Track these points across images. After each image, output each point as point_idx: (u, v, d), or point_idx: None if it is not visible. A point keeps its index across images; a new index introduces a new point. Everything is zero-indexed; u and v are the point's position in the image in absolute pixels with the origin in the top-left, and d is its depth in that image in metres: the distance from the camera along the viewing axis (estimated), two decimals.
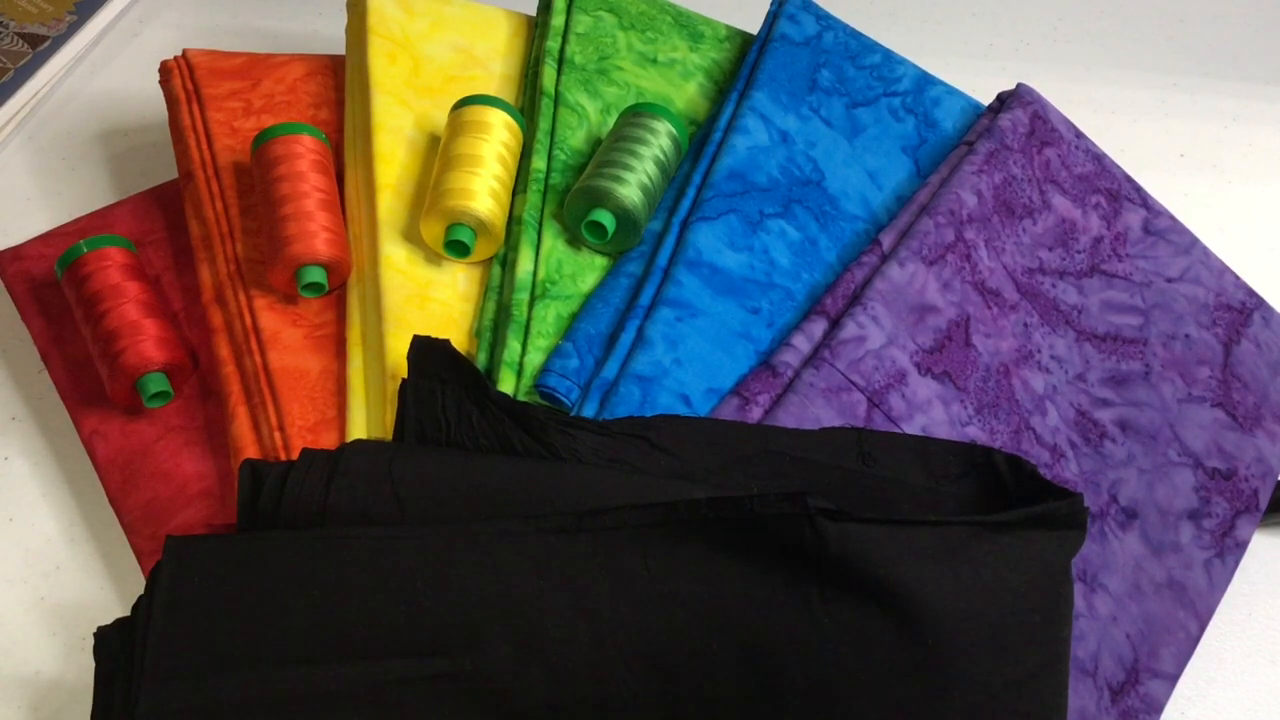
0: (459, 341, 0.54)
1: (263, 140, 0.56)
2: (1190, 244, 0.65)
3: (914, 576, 0.40)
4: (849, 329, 0.53)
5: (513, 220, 0.56)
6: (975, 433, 0.54)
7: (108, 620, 0.43)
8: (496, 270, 0.56)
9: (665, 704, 0.40)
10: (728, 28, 0.69)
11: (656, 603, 0.41)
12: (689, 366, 0.52)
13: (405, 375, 0.49)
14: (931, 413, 0.53)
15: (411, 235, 0.56)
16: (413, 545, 0.42)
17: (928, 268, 0.56)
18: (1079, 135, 0.65)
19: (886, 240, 0.57)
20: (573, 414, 0.50)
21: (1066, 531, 0.42)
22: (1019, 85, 0.65)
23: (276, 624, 0.40)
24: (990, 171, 0.60)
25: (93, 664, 0.42)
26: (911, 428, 0.52)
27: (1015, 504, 0.44)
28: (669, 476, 0.46)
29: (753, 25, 0.68)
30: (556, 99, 0.61)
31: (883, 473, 0.47)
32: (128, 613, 0.43)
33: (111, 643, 0.41)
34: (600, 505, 0.43)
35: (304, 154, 0.56)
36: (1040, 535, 0.42)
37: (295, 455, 0.48)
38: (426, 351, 0.48)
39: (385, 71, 0.60)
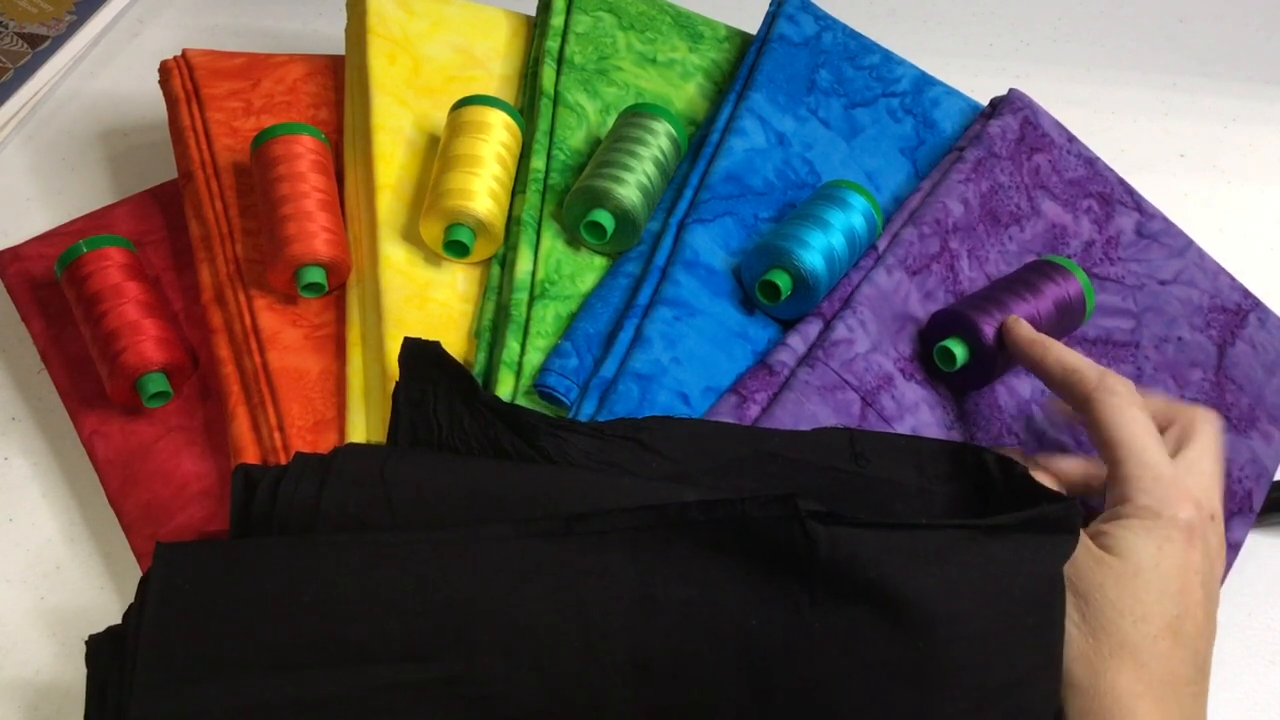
0: (458, 342, 0.54)
1: (262, 140, 0.56)
2: (1185, 246, 0.65)
3: (905, 580, 0.39)
4: (839, 331, 0.53)
5: (512, 220, 0.56)
6: (958, 438, 0.54)
7: (108, 621, 0.43)
8: (496, 270, 0.56)
9: (656, 708, 0.40)
10: (727, 28, 0.70)
11: (646, 606, 0.40)
12: (687, 365, 0.52)
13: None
14: (920, 415, 0.53)
15: (411, 235, 0.56)
16: (403, 550, 0.42)
17: (911, 277, 0.56)
18: (1071, 139, 0.65)
19: (881, 245, 0.57)
20: (571, 412, 0.50)
21: (1059, 535, 0.42)
22: (1010, 90, 0.65)
23: (268, 630, 0.40)
24: (977, 180, 0.60)
25: None
26: (903, 428, 0.52)
27: (1006, 505, 0.44)
28: (661, 479, 0.46)
29: (753, 25, 0.68)
30: (556, 99, 0.61)
31: (875, 473, 0.47)
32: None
33: (104, 650, 0.41)
34: (590, 508, 0.43)
35: (304, 154, 0.56)
36: (1033, 539, 0.42)
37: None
38: (417, 354, 0.47)
39: (385, 72, 0.60)
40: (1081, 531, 0.45)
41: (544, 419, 0.47)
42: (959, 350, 0.53)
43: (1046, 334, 0.52)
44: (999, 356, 0.52)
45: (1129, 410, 0.46)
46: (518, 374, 0.51)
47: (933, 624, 0.39)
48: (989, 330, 0.52)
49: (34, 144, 0.71)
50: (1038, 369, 0.50)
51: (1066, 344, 0.56)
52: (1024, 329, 0.51)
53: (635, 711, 0.40)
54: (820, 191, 0.56)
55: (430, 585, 0.41)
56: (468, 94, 0.58)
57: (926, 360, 0.55)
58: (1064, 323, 0.55)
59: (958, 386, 0.55)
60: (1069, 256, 0.62)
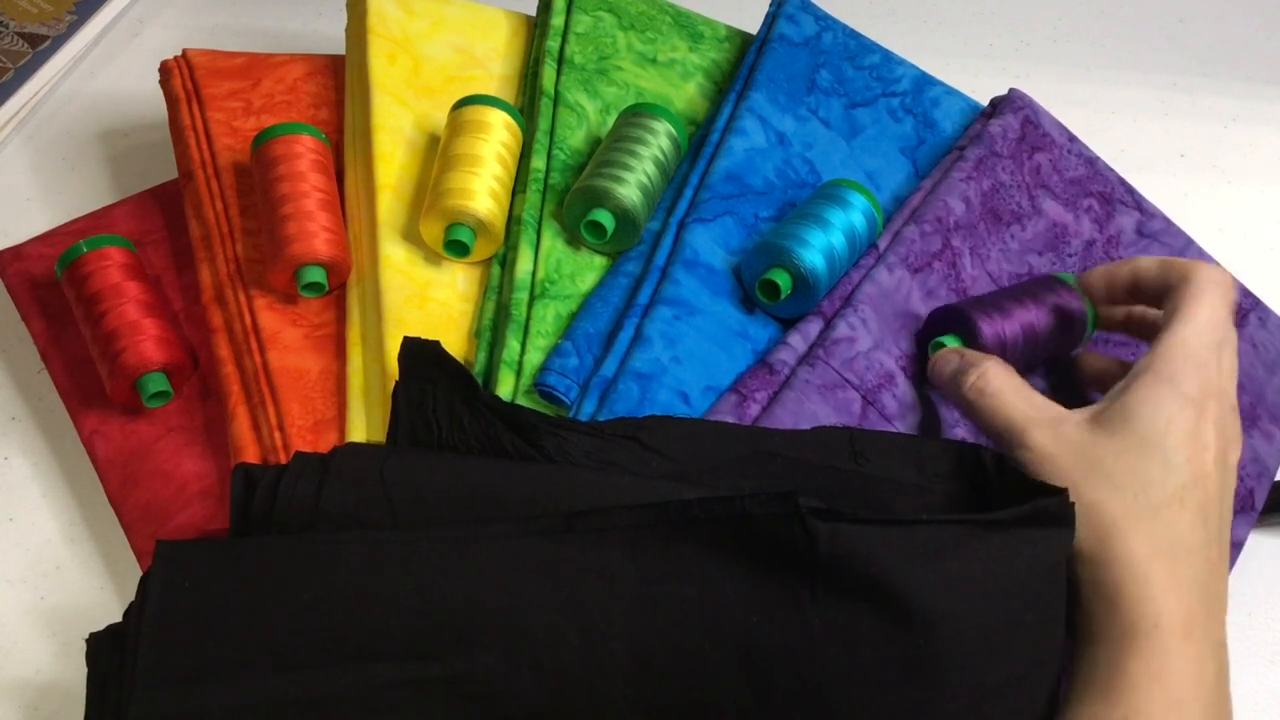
0: (458, 341, 0.54)
1: (263, 140, 0.56)
2: (1184, 245, 0.65)
3: (905, 576, 0.39)
4: (841, 329, 0.53)
5: (512, 220, 0.56)
6: (963, 434, 0.54)
7: (108, 620, 0.43)
8: (496, 270, 0.56)
9: (657, 706, 0.40)
10: (727, 28, 0.70)
11: (647, 604, 0.40)
12: (687, 364, 0.52)
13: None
14: (922, 413, 0.53)
15: (411, 235, 0.56)
16: (402, 549, 0.42)
17: (912, 275, 0.56)
18: (1072, 139, 0.65)
19: (882, 244, 0.57)
20: (572, 411, 0.50)
21: (1057, 529, 0.42)
22: (1011, 90, 0.65)
23: (267, 629, 0.40)
24: (979, 178, 0.60)
25: None
26: (905, 426, 0.52)
27: (1003, 502, 0.44)
28: (660, 478, 0.46)
29: (753, 25, 0.68)
30: (556, 99, 0.61)
31: (875, 471, 0.47)
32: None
33: (104, 649, 0.41)
34: (590, 507, 0.43)
35: (304, 154, 0.56)
36: (1031, 533, 0.42)
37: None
38: (416, 353, 0.47)
39: (385, 72, 0.60)
40: (1078, 412, 0.45)
41: (544, 418, 0.47)
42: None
43: (1045, 345, 0.52)
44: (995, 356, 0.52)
45: (1212, 298, 0.46)
46: (518, 373, 0.51)
47: (933, 620, 0.39)
48: (986, 329, 0.52)
49: (34, 144, 0.71)
50: (1136, 270, 0.50)
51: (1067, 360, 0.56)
52: (1106, 265, 0.52)
53: (635, 709, 0.40)
54: (820, 190, 0.56)
55: (430, 584, 0.41)
56: (468, 94, 0.58)
57: (924, 358, 0.55)
58: (1063, 335, 0.54)
59: None
60: (1069, 255, 0.62)
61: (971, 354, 0.50)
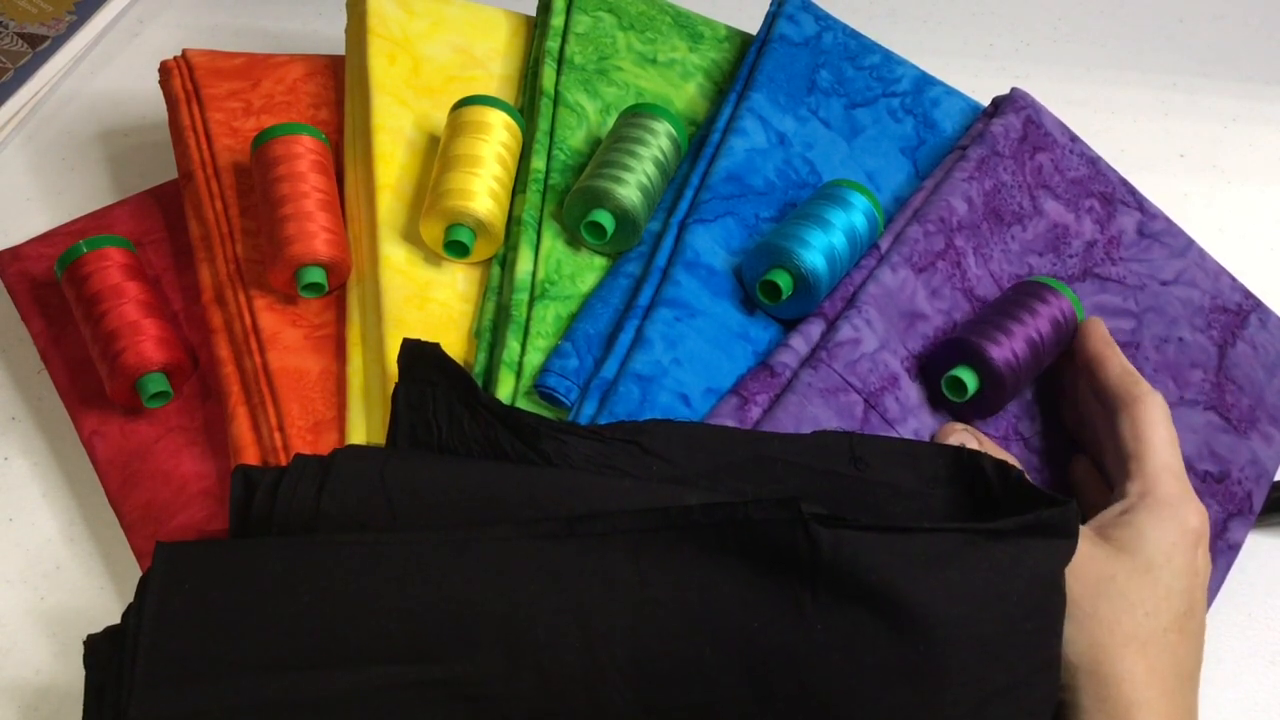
0: (458, 342, 0.54)
1: (262, 140, 0.56)
2: (1185, 246, 0.65)
3: (907, 583, 0.39)
4: (844, 331, 0.53)
5: (512, 220, 0.56)
6: (965, 437, 0.54)
7: (108, 621, 0.43)
8: (496, 270, 0.56)
9: (657, 710, 0.40)
10: (727, 28, 0.70)
11: (648, 609, 0.40)
12: (688, 366, 0.52)
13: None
14: (924, 416, 0.53)
15: (411, 235, 0.56)
16: (403, 551, 0.42)
17: (917, 275, 0.56)
18: (1074, 139, 0.65)
19: (884, 244, 0.57)
20: (572, 413, 0.50)
21: (1058, 540, 0.43)
22: (1013, 90, 0.65)
23: (267, 631, 0.40)
24: (980, 178, 0.60)
25: None
26: (906, 430, 0.52)
27: (1004, 509, 0.44)
28: (661, 481, 0.46)
29: (753, 25, 0.68)
30: (556, 99, 0.61)
31: (874, 476, 0.47)
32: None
33: (102, 651, 0.41)
34: (591, 510, 0.43)
35: (304, 154, 0.56)
36: (1033, 543, 0.42)
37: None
38: (416, 354, 0.47)
39: (385, 72, 0.60)
40: (1085, 526, 0.47)
41: (544, 422, 0.47)
42: (969, 378, 0.52)
43: (1047, 354, 0.54)
44: (1008, 382, 0.52)
45: (1166, 423, 0.50)
46: (518, 374, 0.51)
47: (933, 627, 0.39)
48: (996, 355, 0.51)
49: (34, 144, 0.71)
50: (1099, 364, 0.53)
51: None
52: (1104, 327, 0.55)
53: (636, 713, 0.40)
54: (821, 191, 0.56)
55: (430, 586, 0.41)
56: (468, 94, 0.58)
57: (933, 386, 0.54)
58: (1058, 343, 0.54)
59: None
60: (1070, 256, 0.62)
61: (990, 446, 0.52)
